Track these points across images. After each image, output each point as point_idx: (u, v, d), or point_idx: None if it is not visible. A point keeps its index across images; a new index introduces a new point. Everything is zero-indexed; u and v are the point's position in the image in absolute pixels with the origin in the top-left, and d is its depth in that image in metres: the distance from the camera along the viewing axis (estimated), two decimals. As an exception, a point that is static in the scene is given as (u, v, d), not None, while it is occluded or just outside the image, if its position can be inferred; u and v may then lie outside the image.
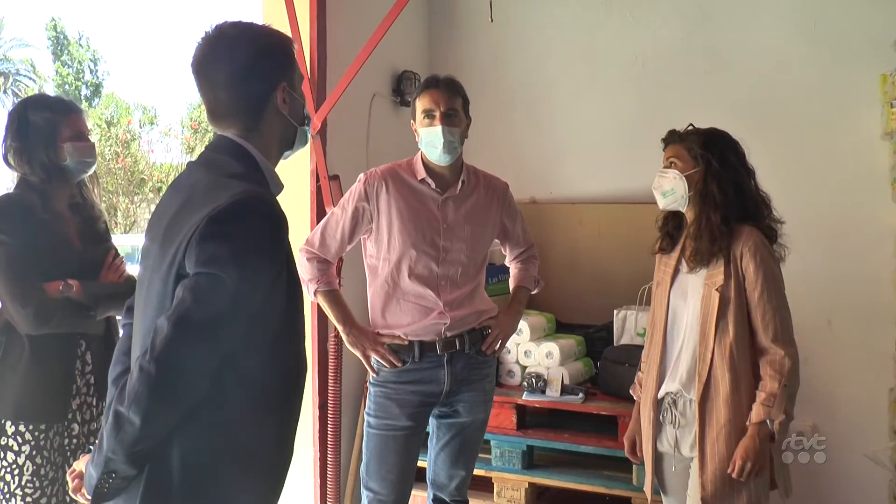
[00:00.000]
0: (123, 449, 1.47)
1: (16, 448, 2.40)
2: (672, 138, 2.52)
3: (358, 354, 2.71)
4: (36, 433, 2.41)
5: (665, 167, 2.49)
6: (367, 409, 2.74)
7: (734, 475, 2.31)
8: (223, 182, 1.58)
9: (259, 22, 1.76)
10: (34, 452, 2.41)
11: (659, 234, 2.61)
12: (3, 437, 2.40)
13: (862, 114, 3.65)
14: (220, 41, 1.66)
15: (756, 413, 2.32)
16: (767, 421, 2.30)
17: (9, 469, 2.40)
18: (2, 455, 2.40)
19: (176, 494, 1.55)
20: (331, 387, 3.44)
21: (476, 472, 3.00)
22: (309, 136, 1.84)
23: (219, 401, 1.56)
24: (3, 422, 2.40)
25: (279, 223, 1.59)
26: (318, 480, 3.49)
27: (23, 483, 2.40)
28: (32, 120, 2.45)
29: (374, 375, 2.72)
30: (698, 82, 3.95)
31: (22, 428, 2.41)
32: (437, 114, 2.59)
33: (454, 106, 2.62)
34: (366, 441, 2.73)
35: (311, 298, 2.76)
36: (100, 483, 1.50)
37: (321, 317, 3.49)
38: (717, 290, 2.36)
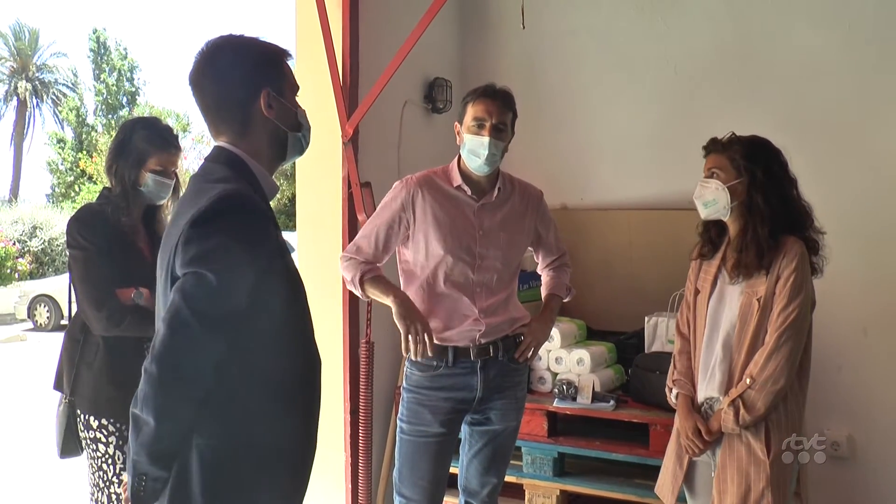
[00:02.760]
0: (145, 449, 1.55)
1: (104, 440, 2.60)
2: (714, 147, 2.49)
3: (402, 328, 2.55)
4: (118, 424, 2.59)
5: (706, 177, 2.47)
6: (399, 415, 2.75)
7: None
8: (207, 187, 1.66)
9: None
10: (121, 443, 2.59)
11: (700, 239, 2.59)
12: (91, 431, 2.60)
13: (898, 119, 3.60)
14: (207, 53, 1.76)
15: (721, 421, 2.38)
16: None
17: (104, 459, 2.60)
18: (94, 447, 2.61)
19: (196, 492, 1.61)
20: (362, 392, 3.46)
21: (507, 478, 2.99)
22: (304, 144, 1.88)
23: (230, 396, 1.63)
24: (87, 417, 2.60)
25: (260, 217, 1.66)
26: (350, 486, 3.51)
27: (117, 471, 2.60)
28: (132, 141, 2.67)
29: (408, 358, 2.65)
30: (731, 88, 3.92)
31: (104, 421, 2.60)
32: (488, 125, 2.59)
33: (505, 120, 2.62)
34: (398, 447, 2.75)
35: (360, 295, 2.70)
36: (133, 487, 1.57)
37: (352, 322, 3.51)
38: (757, 299, 2.35)
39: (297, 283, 1.79)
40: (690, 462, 2.52)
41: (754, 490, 2.32)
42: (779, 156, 2.45)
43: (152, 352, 1.55)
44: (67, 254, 2.65)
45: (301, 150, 1.88)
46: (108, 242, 2.60)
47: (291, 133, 1.82)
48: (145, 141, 2.67)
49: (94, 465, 2.62)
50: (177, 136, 2.81)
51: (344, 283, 3.48)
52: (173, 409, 1.56)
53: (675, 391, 2.58)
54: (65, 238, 2.68)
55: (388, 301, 2.60)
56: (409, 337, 2.52)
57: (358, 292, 2.71)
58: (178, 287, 1.57)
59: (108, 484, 2.61)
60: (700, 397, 2.50)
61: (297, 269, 1.81)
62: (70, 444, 2.66)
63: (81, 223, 2.62)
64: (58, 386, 2.70)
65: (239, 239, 1.60)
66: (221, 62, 1.75)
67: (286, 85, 1.82)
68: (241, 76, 1.75)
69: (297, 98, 1.87)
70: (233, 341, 1.60)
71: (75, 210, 2.72)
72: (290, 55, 1.85)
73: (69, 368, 2.64)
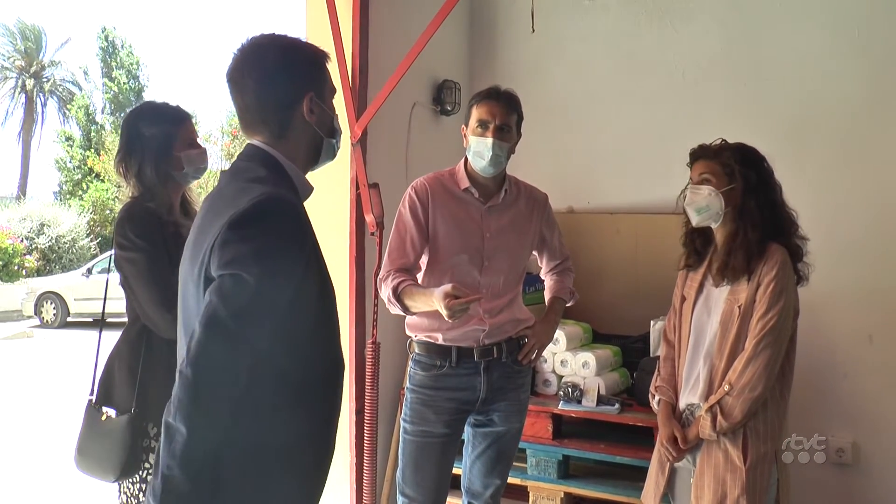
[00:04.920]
0: (177, 461, 1.46)
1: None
2: (704, 153, 2.50)
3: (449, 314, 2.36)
4: None
5: (697, 183, 2.47)
6: (403, 415, 2.76)
7: None
8: (245, 187, 1.63)
9: (296, 34, 1.79)
10: None
11: (685, 250, 2.61)
12: (147, 440, 2.39)
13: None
14: (251, 50, 1.71)
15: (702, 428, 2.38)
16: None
17: (150, 471, 2.36)
18: (144, 457, 2.39)
19: (216, 493, 1.57)
20: (367, 393, 3.47)
21: (511, 480, 3.00)
22: (336, 149, 1.85)
23: (255, 398, 1.59)
24: (146, 425, 2.39)
25: (299, 222, 1.62)
26: (354, 485, 3.52)
27: None
28: (147, 133, 2.45)
29: (412, 358, 2.73)
30: (739, 93, 3.92)
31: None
32: (491, 126, 2.60)
33: (508, 122, 2.64)
34: (402, 447, 2.76)
35: (399, 312, 2.61)
36: (160, 495, 1.46)
37: (359, 322, 3.52)
38: (738, 306, 2.37)
39: (328, 287, 1.77)
40: (673, 468, 2.54)
41: (730, 497, 2.32)
42: (766, 162, 2.46)
43: (187, 354, 1.50)
44: (119, 257, 2.39)
45: (333, 156, 1.85)
46: (164, 241, 2.40)
47: (327, 139, 1.79)
48: (163, 123, 2.48)
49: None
50: (178, 105, 2.59)
51: (351, 284, 3.53)
52: (208, 415, 1.50)
53: (657, 398, 2.60)
54: (116, 240, 2.38)
55: (433, 306, 2.41)
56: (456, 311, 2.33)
57: (397, 308, 2.61)
58: (214, 288, 1.53)
59: None
60: (682, 404, 2.51)
61: (328, 273, 1.77)
62: (132, 464, 2.36)
63: (134, 224, 2.39)
64: (106, 401, 2.44)
65: (279, 242, 1.57)
66: (267, 62, 1.70)
67: (327, 89, 1.78)
68: (287, 78, 1.71)
69: (333, 101, 1.83)
70: (264, 345, 1.57)
71: (121, 211, 2.45)
72: (329, 58, 1.81)
73: (130, 380, 2.39)
